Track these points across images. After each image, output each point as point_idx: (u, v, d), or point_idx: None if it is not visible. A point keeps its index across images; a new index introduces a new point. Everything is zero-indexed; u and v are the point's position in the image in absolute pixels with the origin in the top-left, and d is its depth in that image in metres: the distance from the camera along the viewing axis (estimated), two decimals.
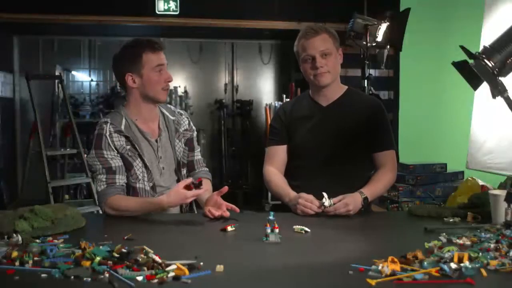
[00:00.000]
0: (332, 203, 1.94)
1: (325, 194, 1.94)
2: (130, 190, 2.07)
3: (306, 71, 2.18)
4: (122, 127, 2.06)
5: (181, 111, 2.28)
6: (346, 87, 2.27)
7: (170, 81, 2.08)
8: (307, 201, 1.98)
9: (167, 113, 2.19)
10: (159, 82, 2.05)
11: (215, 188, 2.15)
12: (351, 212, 1.95)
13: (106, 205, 2.01)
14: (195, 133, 2.29)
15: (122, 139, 2.05)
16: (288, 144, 2.27)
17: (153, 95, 2.07)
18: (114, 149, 2.03)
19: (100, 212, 2.16)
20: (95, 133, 2.07)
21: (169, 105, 2.28)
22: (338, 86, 2.24)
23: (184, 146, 2.21)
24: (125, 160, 2.05)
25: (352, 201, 1.96)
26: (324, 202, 1.93)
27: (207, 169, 2.32)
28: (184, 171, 2.20)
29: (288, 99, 5.74)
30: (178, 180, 2.17)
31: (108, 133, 2.03)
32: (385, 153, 2.19)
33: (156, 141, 2.12)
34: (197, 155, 2.28)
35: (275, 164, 2.26)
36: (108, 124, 2.05)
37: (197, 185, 1.85)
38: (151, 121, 2.14)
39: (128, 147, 2.05)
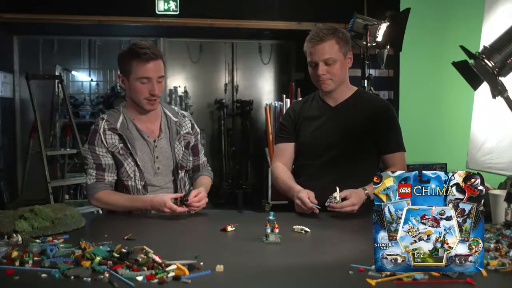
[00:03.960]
0: (339, 199, 1.94)
1: (338, 189, 1.94)
2: (122, 187, 2.10)
3: (311, 75, 2.19)
4: (118, 125, 2.08)
5: (185, 113, 2.27)
6: (356, 88, 2.27)
7: (153, 94, 2.03)
8: (302, 203, 1.97)
9: (170, 114, 2.19)
10: (142, 93, 2.04)
11: (215, 189, 2.14)
12: (355, 211, 1.96)
13: (94, 199, 2.07)
14: (199, 137, 2.30)
15: (115, 137, 2.07)
16: (295, 142, 2.28)
17: (137, 102, 2.07)
18: (106, 147, 2.06)
19: (100, 212, 2.17)
20: (91, 128, 2.10)
21: (173, 106, 2.29)
22: (347, 88, 2.24)
23: (184, 149, 2.20)
24: (116, 158, 2.07)
25: (358, 201, 1.97)
26: (335, 197, 1.93)
27: (210, 168, 2.36)
28: (182, 173, 2.20)
29: (288, 99, 5.74)
30: (174, 181, 2.18)
31: (102, 130, 2.06)
32: (394, 155, 2.19)
33: (154, 141, 2.12)
34: (202, 158, 2.31)
35: (283, 161, 2.27)
36: (104, 121, 2.08)
37: (183, 202, 1.95)
38: (150, 122, 2.14)
39: (121, 145, 2.07)
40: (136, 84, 2.03)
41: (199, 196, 1.98)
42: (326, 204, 1.94)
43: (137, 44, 2.03)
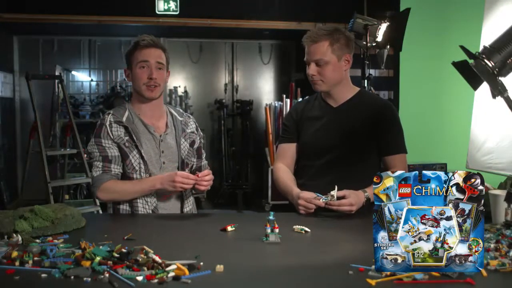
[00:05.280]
0: (335, 198, 1.94)
1: (336, 187, 1.94)
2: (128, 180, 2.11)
3: (306, 73, 2.19)
4: (124, 118, 2.12)
5: (189, 115, 2.34)
6: (358, 88, 2.26)
7: (152, 78, 2.09)
8: (307, 201, 1.99)
9: (175, 114, 2.24)
10: (142, 78, 2.09)
11: (215, 189, 2.15)
12: (353, 212, 1.96)
13: (100, 190, 2.07)
14: (203, 140, 2.34)
15: (121, 129, 2.10)
16: (297, 143, 2.28)
17: (138, 90, 2.13)
18: (112, 139, 2.09)
19: (100, 212, 2.17)
20: (97, 123, 2.15)
21: (177, 108, 2.34)
22: (348, 89, 2.23)
23: (189, 147, 2.23)
24: (122, 150, 2.09)
25: (356, 202, 1.97)
26: (332, 195, 1.93)
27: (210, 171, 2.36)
28: (186, 170, 2.21)
29: (288, 99, 5.74)
30: None
31: (108, 123, 2.10)
32: (395, 157, 2.18)
33: (160, 135, 2.15)
34: (204, 161, 2.33)
35: (285, 161, 2.28)
36: (110, 115, 2.13)
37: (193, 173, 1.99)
38: (156, 119, 2.18)
39: (126, 137, 2.10)
40: (136, 71, 2.10)
41: (210, 176, 2.02)
42: (322, 200, 1.95)
43: (140, 37, 2.13)
